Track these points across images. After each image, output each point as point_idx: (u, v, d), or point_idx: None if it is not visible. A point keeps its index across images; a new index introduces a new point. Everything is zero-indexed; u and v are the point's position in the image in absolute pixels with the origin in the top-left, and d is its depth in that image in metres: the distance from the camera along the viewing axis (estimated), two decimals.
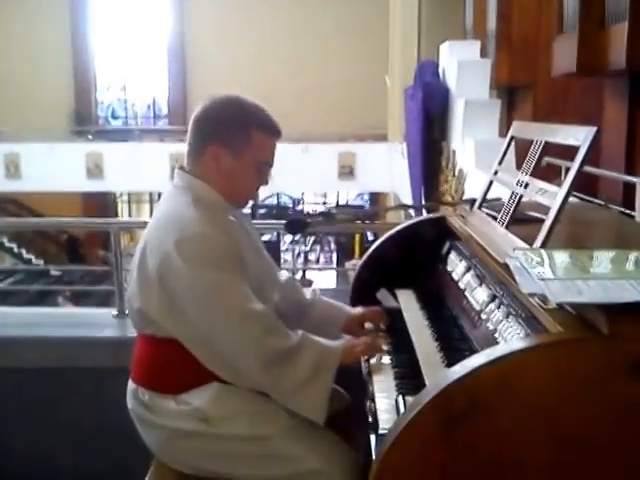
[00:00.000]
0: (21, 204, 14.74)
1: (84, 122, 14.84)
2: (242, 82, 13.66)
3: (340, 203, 17.02)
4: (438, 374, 1.48)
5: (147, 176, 12.65)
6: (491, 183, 2.07)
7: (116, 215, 16.54)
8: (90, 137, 13.97)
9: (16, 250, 14.66)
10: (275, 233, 12.92)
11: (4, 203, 14.66)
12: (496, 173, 2.05)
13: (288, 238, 15.53)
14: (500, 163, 2.06)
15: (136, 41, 15.57)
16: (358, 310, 2.16)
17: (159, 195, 15.61)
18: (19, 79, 14.15)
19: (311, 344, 1.78)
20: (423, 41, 9.70)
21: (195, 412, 1.79)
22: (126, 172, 12.86)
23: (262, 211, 16.00)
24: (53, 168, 12.62)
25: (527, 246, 1.55)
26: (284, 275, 2.17)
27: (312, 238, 14.81)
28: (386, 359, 1.92)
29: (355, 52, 13.81)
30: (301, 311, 2.11)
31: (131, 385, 1.93)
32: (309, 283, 11.00)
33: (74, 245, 14.94)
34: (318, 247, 17.48)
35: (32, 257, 14.62)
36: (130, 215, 17.28)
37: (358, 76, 13.50)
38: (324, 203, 17.35)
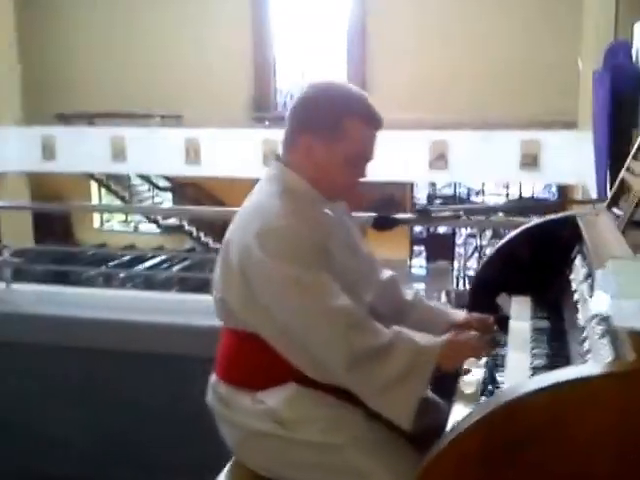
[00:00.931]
0: (201, 188, 15.21)
1: (263, 109, 14.96)
2: (422, 68, 13.39)
3: (524, 195, 15.99)
4: (490, 397, 1.46)
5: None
6: (623, 180, 1.94)
7: None
8: (267, 123, 14.04)
9: (195, 234, 15.18)
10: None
11: (184, 187, 15.20)
12: (629, 169, 1.89)
13: (464, 232, 14.87)
14: (635, 157, 1.90)
15: (315, 26, 15.39)
16: (462, 316, 2.03)
17: None
18: (201, 66, 14.49)
19: (405, 342, 1.67)
20: (620, 19, 8.71)
21: (269, 412, 1.74)
22: None
23: (438, 202, 15.48)
24: (231, 154, 12.81)
25: (631, 255, 1.47)
26: (387, 274, 2.05)
27: (490, 231, 13.91)
28: (479, 370, 1.77)
29: (541, 32, 12.76)
30: (399, 312, 1.99)
31: (212, 378, 1.91)
32: None
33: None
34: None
35: (209, 240, 15.03)
36: None
37: (545, 58, 12.46)
38: (507, 195, 16.43)
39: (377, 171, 2.19)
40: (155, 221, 16.01)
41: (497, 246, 2.30)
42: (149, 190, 16.47)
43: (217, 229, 14.75)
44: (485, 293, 2.20)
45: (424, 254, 16.10)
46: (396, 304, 2.01)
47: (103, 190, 16.38)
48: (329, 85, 1.81)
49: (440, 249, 15.15)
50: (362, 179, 1.81)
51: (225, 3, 14.52)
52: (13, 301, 3.46)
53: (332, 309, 1.64)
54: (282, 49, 15.62)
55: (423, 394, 1.68)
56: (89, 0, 14.98)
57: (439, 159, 11.92)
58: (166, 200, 16.63)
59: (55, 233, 14.94)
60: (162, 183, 16.36)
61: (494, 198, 16.12)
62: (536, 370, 1.61)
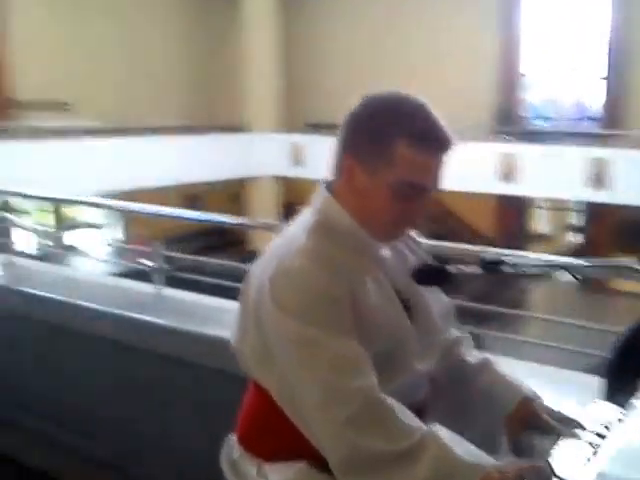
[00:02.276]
0: (435, 200, 15.11)
1: (506, 121, 14.50)
2: None
3: None
4: None
5: (565, 182, 11.91)
6: None
7: (524, 223, 15.90)
8: (507, 137, 13.60)
9: None
10: None
11: None
12: None
13: None
14: None
15: (570, 35, 14.24)
16: (534, 396, 1.56)
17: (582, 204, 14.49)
18: (443, 76, 14.44)
19: (430, 453, 1.25)
20: None
21: None
22: (542, 177, 12.23)
23: None
24: (466, 167, 12.61)
25: None
26: (453, 333, 1.70)
27: None
28: None
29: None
30: (460, 378, 1.64)
31: (230, 436, 1.63)
32: None
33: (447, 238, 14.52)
34: None
35: None
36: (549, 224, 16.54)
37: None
38: None
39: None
40: None
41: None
42: None
43: (441, 239, 14.60)
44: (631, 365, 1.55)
45: None
46: (457, 369, 1.65)
47: None
48: (384, 98, 1.45)
49: None
50: (418, 216, 1.45)
51: (471, 9, 14.29)
52: (164, 308, 3.30)
53: (338, 391, 1.29)
54: (531, 58, 14.87)
55: None
56: (347, 15, 15.63)
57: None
58: None
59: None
60: None
61: None
62: None
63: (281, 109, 14.60)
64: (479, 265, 1.46)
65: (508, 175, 12.65)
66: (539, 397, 1.57)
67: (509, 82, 14.52)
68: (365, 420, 1.28)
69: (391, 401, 1.31)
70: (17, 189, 4.78)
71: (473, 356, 1.67)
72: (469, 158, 12.31)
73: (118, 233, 14.45)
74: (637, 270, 2.12)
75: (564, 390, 2.26)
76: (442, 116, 1.41)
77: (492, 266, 1.47)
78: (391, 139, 1.38)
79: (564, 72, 14.61)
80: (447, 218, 15.46)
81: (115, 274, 5.17)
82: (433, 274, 1.50)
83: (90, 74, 13.44)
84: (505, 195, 13.65)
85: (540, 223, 16.49)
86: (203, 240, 12.74)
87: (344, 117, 1.46)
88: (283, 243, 1.46)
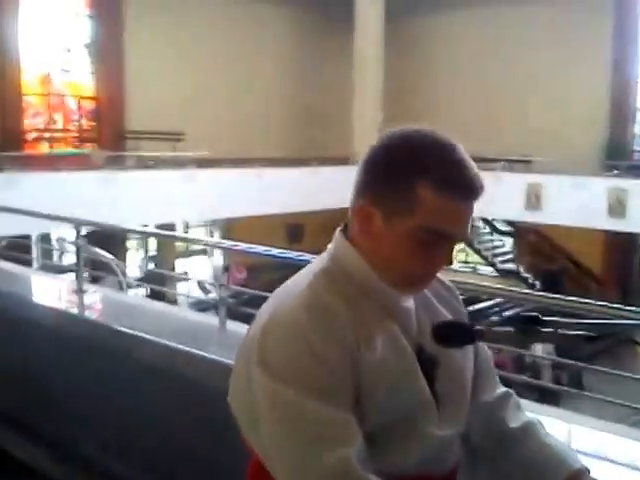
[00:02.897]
0: (542, 235, 14.83)
1: (616, 156, 14.05)
2: None
3: None
4: None
5: None
6: None
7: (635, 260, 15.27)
8: (616, 172, 13.16)
9: (531, 280, 14.80)
10: None
11: (526, 233, 14.95)
12: None
13: None
14: None
15: None
16: (583, 464, 1.36)
17: None
18: (555, 110, 14.18)
19: None
20: None
21: None
22: None
23: None
24: (575, 202, 12.33)
25: None
26: (498, 391, 1.46)
27: None
28: None
29: None
30: (500, 446, 1.40)
31: None
32: None
33: (556, 276, 14.19)
34: None
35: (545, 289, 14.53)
36: None
37: None
38: None
39: None
40: (492, 264, 16.02)
41: None
42: (490, 233, 16.52)
43: (550, 277, 14.23)
44: None
45: None
46: (497, 435, 1.42)
47: None
48: (407, 135, 1.25)
49: None
50: (442, 265, 1.27)
51: (585, 42, 14.02)
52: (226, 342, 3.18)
53: (311, 467, 1.14)
54: None
55: None
56: (453, 51, 15.67)
57: None
58: (506, 244, 16.55)
59: None
60: (503, 227, 16.35)
61: None
62: None
63: None
64: (516, 321, 1.23)
65: (618, 211, 12.23)
66: (588, 470, 1.37)
67: (622, 116, 14.11)
68: None
69: (368, 477, 1.14)
70: (136, 227, 4.90)
71: (516, 419, 1.43)
72: (579, 193, 12.07)
73: (220, 260, 14.87)
74: None
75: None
76: (470, 158, 1.23)
77: (527, 325, 1.23)
78: (413, 182, 1.20)
79: None
80: (555, 254, 15.09)
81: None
82: (455, 333, 1.29)
83: (201, 106, 14.01)
84: (614, 231, 13.20)
85: None
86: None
87: (363, 156, 1.28)
88: (287, 288, 1.29)
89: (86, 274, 4.72)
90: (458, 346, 1.32)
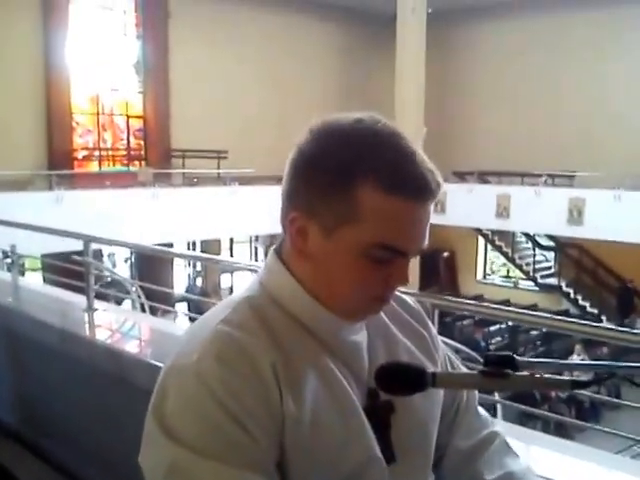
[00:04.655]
0: (585, 250, 14.73)
1: None
2: None
3: None
4: None
5: None
6: None
7: None
8: None
9: (572, 295, 14.68)
10: None
11: (567, 247, 14.87)
12: None
13: None
14: None
15: None
16: None
17: None
18: (598, 123, 14.13)
19: None
20: None
21: None
22: None
23: None
24: (618, 216, 12.28)
25: None
26: (476, 436, 1.21)
27: None
28: None
29: None
30: None
31: None
32: None
33: (628, 294, 14.05)
34: None
35: (587, 304, 14.41)
36: None
37: None
38: None
39: None
40: (533, 279, 15.96)
41: None
42: (533, 248, 16.47)
43: (596, 293, 14.11)
44: None
45: None
46: None
47: (488, 245, 17.00)
48: (340, 126, 0.99)
49: None
50: (397, 285, 1.01)
51: (622, 56, 13.96)
52: None
53: None
54: None
55: None
56: (495, 68, 15.73)
57: None
58: (548, 259, 16.49)
59: (439, 282, 15.81)
60: (545, 242, 16.29)
61: None
62: None
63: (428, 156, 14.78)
64: (486, 361, 0.94)
65: None
66: None
67: None
68: None
69: None
70: (165, 248, 4.62)
71: (494, 469, 1.17)
72: (620, 207, 12.04)
73: None
74: None
75: None
76: (420, 148, 0.99)
77: (496, 368, 0.92)
78: (351, 183, 0.95)
79: None
80: (596, 268, 14.96)
81: None
82: (401, 378, 0.96)
83: (246, 124, 14.27)
84: None
85: None
86: None
87: (289, 155, 1.02)
88: (197, 325, 1.06)
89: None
90: (406, 394, 1.01)
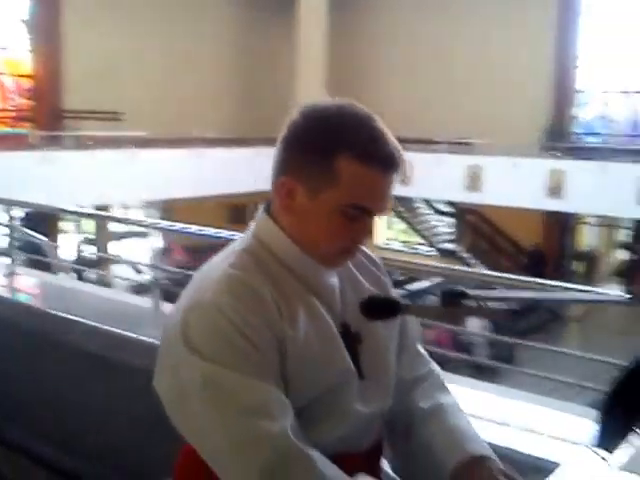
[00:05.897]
0: (482, 216, 15.07)
1: (556, 138, 14.32)
2: None
3: None
4: None
5: (613, 199, 11.73)
6: None
7: (572, 238, 15.71)
8: (558, 154, 13.42)
9: (471, 260, 15.06)
10: None
11: (466, 213, 15.18)
12: None
13: None
14: None
15: (627, 51, 14.02)
16: (488, 451, 1.34)
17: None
18: (496, 92, 14.35)
19: None
20: None
21: None
22: (589, 193, 12.09)
23: None
24: (514, 183, 12.57)
25: None
26: (417, 371, 1.48)
27: None
28: None
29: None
30: (407, 426, 1.41)
31: None
32: None
33: (539, 257, 14.48)
34: None
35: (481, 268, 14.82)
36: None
37: None
38: None
39: None
40: (433, 244, 16.28)
41: None
42: (434, 214, 16.75)
43: (493, 258, 14.50)
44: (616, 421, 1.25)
45: None
46: (407, 415, 1.43)
47: None
48: (325, 108, 1.26)
49: None
50: (363, 239, 1.29)
51: (528, 24, 14.18)
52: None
53: (250, 438, 1.14)
54: (585, 75, 14.54)
55: None
56: (395, 32, 15.68)
57: None
58: (448, 225, 16.79)
59: None
60: (445, 208, 16.58)
61: None
62: None
63: None
64: (440, 297, 1.23)
65: (556, 191, 12.51)
66: (493, 457, 1.33)
67: (562, 99, 14.37)
68: (281, 471, 1.13)
69: (308, 451, 1.16)
70: (65, 207, 4.77)
71: (428, 399, 1.43)
72: (518, 174, 12.27)
73: (159, 241, 14.64)
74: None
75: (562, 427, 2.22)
76: (390, 130, 1.26)
77: (452, 299, 1.22)
78: (332, 155, 1.21)
79: (619, 89, 14.42)
80: (494, 234, 15.36)
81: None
82: (382, 307, 1.30)
83: (140, 86, 13.73)
84: (552, 211, 13.51)
85: (587, 240, 16.26)
86: None
87: (281, 130, 1.28)
88: (205, 271, 1.30)
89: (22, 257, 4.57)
90: (382, 319, 1.33)
